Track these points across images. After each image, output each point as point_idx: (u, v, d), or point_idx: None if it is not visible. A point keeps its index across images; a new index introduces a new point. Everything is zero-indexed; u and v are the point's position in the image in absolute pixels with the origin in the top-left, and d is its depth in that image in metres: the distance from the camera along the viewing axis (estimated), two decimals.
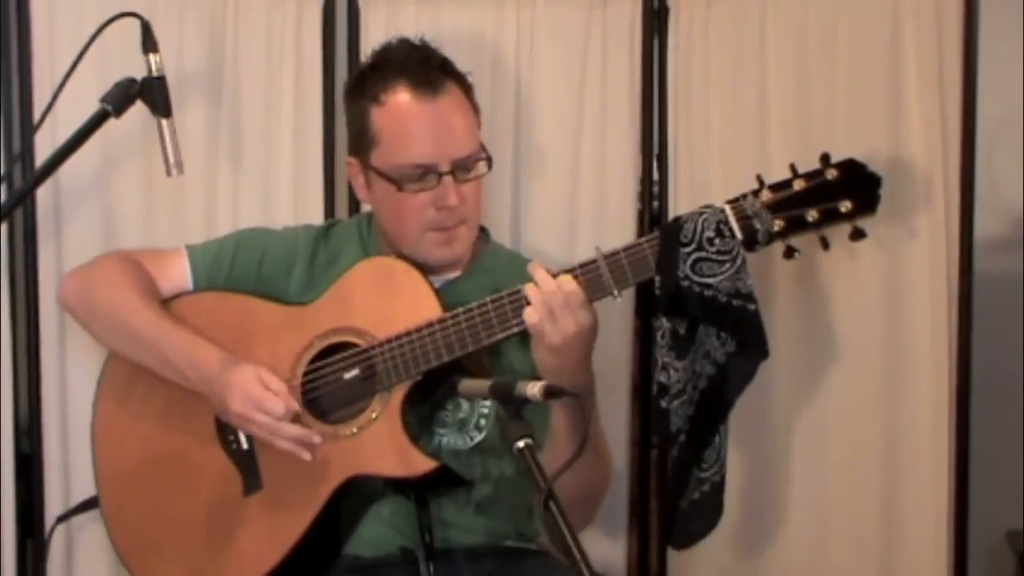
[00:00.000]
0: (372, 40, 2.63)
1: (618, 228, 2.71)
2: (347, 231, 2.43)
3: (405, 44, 2.31)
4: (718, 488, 2.28)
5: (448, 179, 2.23)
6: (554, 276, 2.10)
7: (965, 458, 2.71)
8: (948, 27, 2.66)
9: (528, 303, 2.09)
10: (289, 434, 2.16)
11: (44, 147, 2.56)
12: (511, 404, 1.87)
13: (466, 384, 2.01)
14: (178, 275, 2.37)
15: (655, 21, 2.72)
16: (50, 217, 2.68)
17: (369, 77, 2.29)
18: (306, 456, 2.16)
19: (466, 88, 2.30)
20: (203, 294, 2.36)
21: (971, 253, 2.69)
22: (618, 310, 2.67)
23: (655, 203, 2.75)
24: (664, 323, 2.21)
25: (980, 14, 2.65)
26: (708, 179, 2.70)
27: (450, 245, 2.28)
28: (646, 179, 2.75)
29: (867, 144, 2.55)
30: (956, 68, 2.67)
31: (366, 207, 2.45)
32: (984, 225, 2.71)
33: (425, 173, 2.23)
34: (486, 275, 2.30)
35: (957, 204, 2.68)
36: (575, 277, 2.11)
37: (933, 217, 2.65)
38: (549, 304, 2.07)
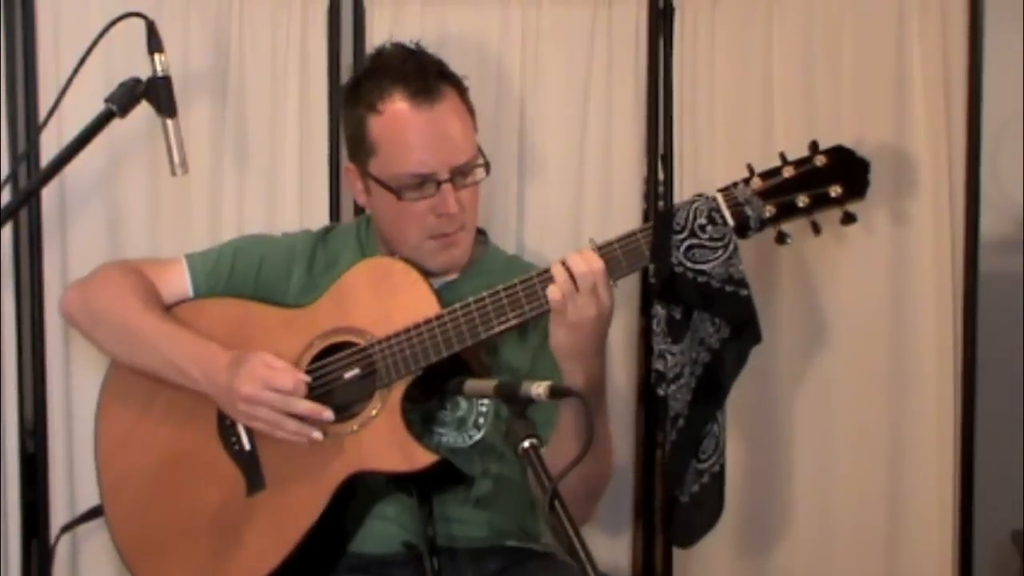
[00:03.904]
0: (377, 40, 2.63)
1: (623, 227, 2.67)
2: (345, 234, 2.43)
3: (400, 49, 2.30)
4: (717, 479, 2.28)
5: (447, 187, 2.23)
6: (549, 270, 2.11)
7: (970, 457, 2.72)
8: (953, 26, 2.66)
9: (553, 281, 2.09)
10: (300, 409, 2.16)
11: (49, 147, 2.56)
12: (516, 404, 1.87)
13: (471, 384, 2.02)
14: (178, 283, 2.38)
15: (660, 21, 2.72)
16: (55, 217, 2.69)
17: (365, 84, 2.28)
18: (316, 435, 2.16)
19: (462, 91, 2.29)
20: (203, 300, 2.36)
21: (976, 251, 2.69)
22: (622, 310, 2.67)
23: (660, 203, 2.74)
24: (659, 310, 2.23)
25: (985, 11, 2.65)
26: (713, 178, 2.69)
27: (450, 250, 2.29)
28: (651, 179, 2.75)
29: (872, 143, 2.54)
30: (961, 67, 2.67)
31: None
32: (987, 223, 2.71)
33: (424, 182, 2.23)
34: (485, 277, 2.30)
35: (962, 202, 2.68)
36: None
37: (938, 214, 2.65)
38: (581, 284, 2.07)
